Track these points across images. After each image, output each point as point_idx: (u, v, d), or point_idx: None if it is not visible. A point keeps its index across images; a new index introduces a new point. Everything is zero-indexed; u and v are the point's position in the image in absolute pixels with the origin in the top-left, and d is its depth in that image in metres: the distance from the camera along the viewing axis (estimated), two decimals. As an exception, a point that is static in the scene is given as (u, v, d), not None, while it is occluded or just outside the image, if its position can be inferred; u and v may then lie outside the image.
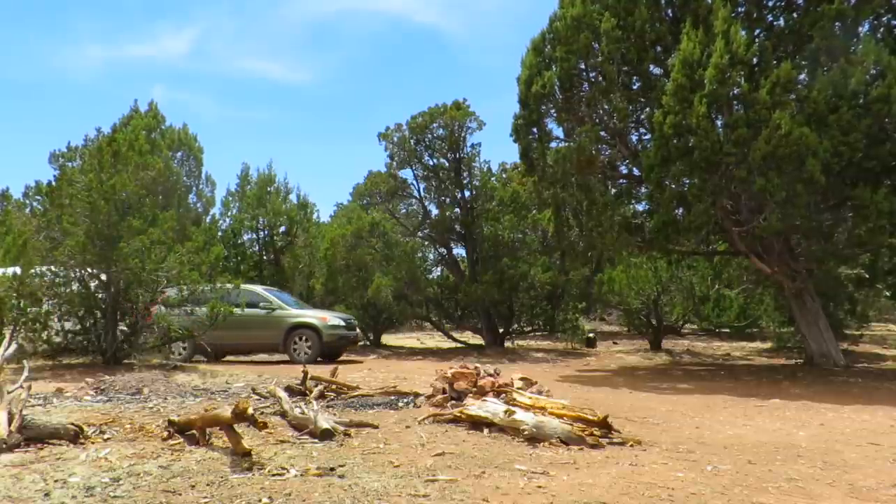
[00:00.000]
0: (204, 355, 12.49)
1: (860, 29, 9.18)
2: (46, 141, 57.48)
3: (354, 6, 77.92)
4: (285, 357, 13.41)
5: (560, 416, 4.95)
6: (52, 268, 10.02)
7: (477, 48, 74.83)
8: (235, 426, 4.21)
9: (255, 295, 12.84)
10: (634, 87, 11.01)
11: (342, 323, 12.75)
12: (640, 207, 12.59)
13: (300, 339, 12.38)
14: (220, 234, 19.14)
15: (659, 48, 10.21)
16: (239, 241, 19.24)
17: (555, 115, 11.36)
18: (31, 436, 4.41)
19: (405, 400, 6.77)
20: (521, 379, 6.22)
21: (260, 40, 77.88)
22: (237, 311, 12.14)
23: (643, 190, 11.68)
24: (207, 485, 3.51)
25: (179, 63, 70.23)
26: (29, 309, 9.73)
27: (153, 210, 11.16)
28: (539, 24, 31.68)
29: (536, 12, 56.33)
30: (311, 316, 12.70)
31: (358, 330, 13.84)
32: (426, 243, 20.73)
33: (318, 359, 12.12)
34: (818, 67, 8.95)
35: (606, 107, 10.79)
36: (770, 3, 10.00)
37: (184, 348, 12.24)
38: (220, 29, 78.37)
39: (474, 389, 6.01)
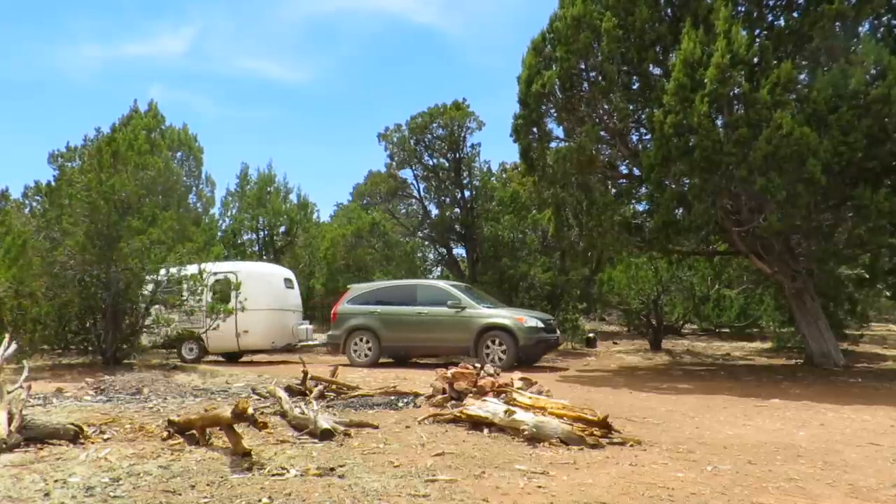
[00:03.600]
0: (392, 358, 11.96)
1: (860, 29, 9.17)
2: (45, 141, 57.37)
3: (352, 6, 77.91)
4: (290, 357, 13.18)
5: (560, 416, 4.95)
6: (52, 268, 10.04)
7: (476, 48, 74.82)
8: (235, 426, 4.21)
9: (440, 292, 11.79)
10: (634, 87, 11.00)
11: (541, 324, 11.29)
12: (640, 207, 12.57)
13: (493, 342, 11.00)
14: (220, 234, 19.19)
15: (659, 48, 10.20)
16: (239, 241, 19.28)
17: (555, 114, 11.34)
18: (31, 436, 4.41)
19: (405, 400, 6.77)
20: (521, 379, 6.23)
21: (258, 40, 77.85)
22: (423, 310, 11.55)
23: (643, 190, 11.66)
24: (207, 485, 3.51)
25: (177, 63, 70.20)
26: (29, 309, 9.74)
27: (153, 210, 11.17)
28: (538, 24, 31.70)
29: (535, 12, 56.32)
30: (506, 316, 11.26)
31: (559, 332, 12.38)
32: (426, 243, 20.76)
33: (514, 365, 10.77)
34: (818, 67, 8.95)
35: (606, 106, 10.78)
36: (770, 3, 9.99)
37: (368, 350, 11.75)
38: (218, 28, 78.34)
39: (474, 389, 6.01)
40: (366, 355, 11.67)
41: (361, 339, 11.82)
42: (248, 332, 12.63)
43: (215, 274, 12.85)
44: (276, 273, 13.92)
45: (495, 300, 13.33)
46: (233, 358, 13.35)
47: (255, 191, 20.46)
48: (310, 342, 13.96)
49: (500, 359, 10.78)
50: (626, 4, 9.85)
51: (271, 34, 77.61)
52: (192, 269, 12.91)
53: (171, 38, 71.94)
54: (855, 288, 12.73)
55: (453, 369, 6.45)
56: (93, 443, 4.52)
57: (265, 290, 13.03)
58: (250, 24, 77.87)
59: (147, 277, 10.87)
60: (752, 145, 8.36)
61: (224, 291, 12.74)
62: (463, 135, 18.26)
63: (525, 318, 11.16)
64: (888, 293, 13.79)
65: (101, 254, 9.86)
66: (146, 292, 10.92)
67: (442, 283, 12.35)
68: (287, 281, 13.91)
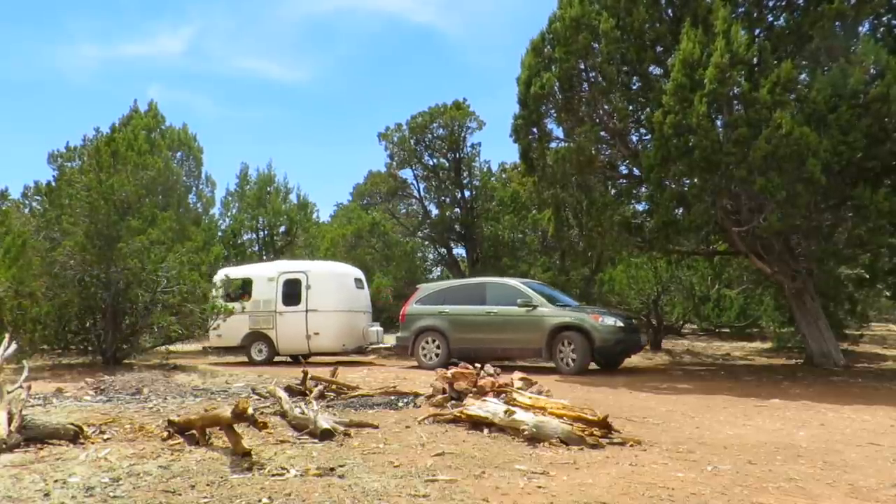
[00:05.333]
0: (462, 360, 11.18)
1: (860, 29, 9.18)
2: (44, 141, 57.36)
3: (351, 5, 77.89)
4: (287, 358, 12.89)
5: (560, 416, 4.95)
6: (52, 268, 10.04)
7: (475, 48, 74.84)
8: (235, 426, 4.21)
9: (511, 290, 11.04)
10: (634, 87, 11.00)
11: (619, 324, 10.39)
12: (640, 207, 12.56)
13: (566, 343, 10.20)
14: (220, 234, 19.18)
15: (658, 48, 10.20)
16: (239, 241, 19.27)
17: (555, 115, 11.34)
18: (31, 436, 4.41)
19: (405, 400, 6.77)
20: (521, 379, 6.23)
21: (257, 39, 77.86)
22: (493, 309, 10.86)
23: (643, 190, 11.66)
24: (207, 485, 3.51)
25: (176, 62, 70.17)
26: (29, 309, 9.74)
27: (153, 210, 11.18)
28: (537, 23, 31.69)
29: (534, 12, 56.33)
30: (580, 315, 10.39)
31: (643, 335, 11.38)
32: (426, 243, 20.76)
33: (590, 367, 10.25)
34: (818, 67, 8.95)
35: (606, 107, 10.78)
36: (770, 3, 9.99)
37: (437, 352, 11.19)
38: (217, 28, 78.33)
39: (474, 389, 6.01)
40: (434, 357, 11.14)
41: (430, 341, 11.31)
42: (318, 333, 12.39)
43: (286, 273, 12.81)
44: (347, 273, 13.58)
45: (575, 298, 12.52)
46: (301, 360, 13.07)
47: (255, 191, 20.45)
48: (380, 344, 13.43)
49: (571, 362, 10.09)
50: (626, 5, 9.85)
51: (270, 34, 77.61)
52: (256, 270, 12.92)
53: (169, 38, 71.92)
54: (855, 288, 12.72)
55: (453, 369, 6.46)
56: (93, 443, 4.52)
57: (336, 290, 12.77)
58: (249, 24, 77.86)
59: (215, 279, 11.33)
60: (752, 145, 8.36)
61: (294, 292, 12.60)
62: (463, 135, 18.26)
63: (601, 317, 10.34)
64: (888, 293, 13.78)
65: (101, 254, 9.85)
66: (215, 292, 11.30)
67: (512, 281, 11.61)
68: (357, 281, 13.54)
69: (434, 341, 11.29)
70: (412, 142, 18.37)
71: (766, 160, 8.30)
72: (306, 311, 12.44)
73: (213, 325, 11.45)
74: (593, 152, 10.77)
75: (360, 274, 14.01)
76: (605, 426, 4.87)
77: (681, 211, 10.11)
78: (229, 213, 21.22)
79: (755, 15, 9.69)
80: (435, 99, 47.89)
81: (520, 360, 11.33)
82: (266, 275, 12.95)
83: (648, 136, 10.71)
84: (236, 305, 12.40)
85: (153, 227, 10.57)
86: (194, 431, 4.58)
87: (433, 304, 11.60)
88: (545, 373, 10.13)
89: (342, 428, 4.90)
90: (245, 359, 12.86)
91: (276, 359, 12.84)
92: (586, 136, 10.37)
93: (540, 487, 3.56)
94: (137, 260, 10.03)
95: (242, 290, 13.10)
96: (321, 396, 6.76)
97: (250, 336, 12.67)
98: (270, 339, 12.58)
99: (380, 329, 13.41)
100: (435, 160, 18.78)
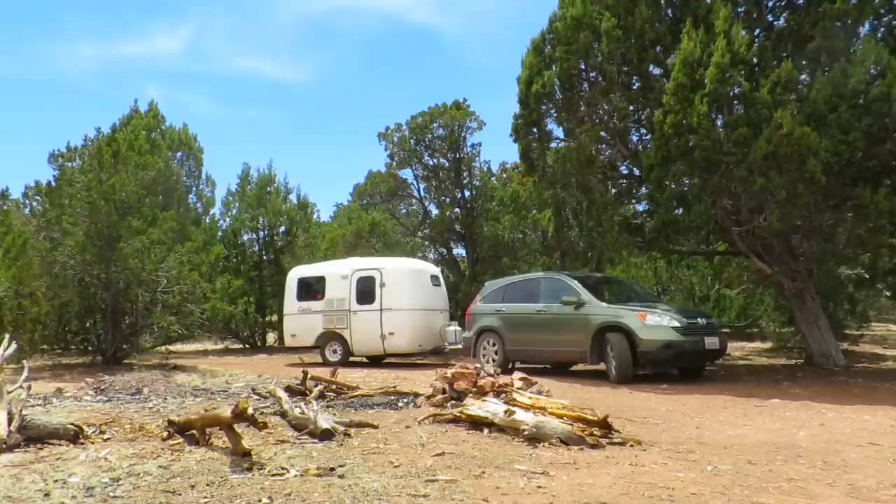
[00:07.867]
0: (521, 361, 10.50)
1: (861, 29, 9.18)
2: (44, 140, 57.54)
3: (348, 4, 77.97)
4: (363, 359, 12.44)
5: (560, 416, 4.95)
6: (52, 268, 10.04)
7: (473, 47, 74.89)
8: (235, 426, 4.21)
9: (560, 285, 10.01)
10: (634, 87, 11.00)
11: (674, 323, 8.75)
12: (640, 207, 12.57)
13: (610, 346, 8.97)
14: (220, 234, 19.17)
15: (659, 48, 10.20)
16: (239, 241, 19.25)
17: (555, 115, 11.35)
18: (31, 436, 4.42)
19: (405, 400, 6.78)
20: (521, 379, 6.23)
21: (255, 39, 77.97)
22: (543, 307, 9.99)
23: (643, 190, 11.66)
24: (207, 485, 3.51)
25: (174, 62, 70.27)
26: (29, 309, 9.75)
27: (153, 210, 11.18)
28: (535, 21, 31.70)
29: (533, 11, 56.56)
30: (623, 313, 9.02)
31: (716, 338, 9.24)
32: (426, 243, 20.77)
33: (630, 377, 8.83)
34: (819, 67, 8.94)
35: (606, 107, 10.78)
36: (770, 3, 9.99)
37: (495, 354, 10.51)
38: (215, 27, 78.44)
39: (474, 389, 6.01)
40: (493, 360, 10.30)
41: (490, 343, 10.66)
42: (393, 333, 11.93)
43: (359, 271, 12.51)
44: (423, 270, 13.11)
45: (648, 293, 11.48)
46: (377, 361, 12.63)
47: (255, 191, 20.42)
48: (458, 345, 12.54)
49: (614, 369, 8.90)
50: (626, 4, 9.85)
51: (268, 33, 77.69)
52: (328, 268, 12.98)
53: (167, 38, 72.03)
54: (855, 288, 12.71)
55: (453, 369, 6.46)
56: (93, 443, 4.52)
57: (411, 288, 12.29)
58: (247, 24, 77.94)
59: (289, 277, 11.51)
60: (752, 145, 8.36)
61: (368, 290, 12.23)
62: (463, 135, 18.28)
63: (649, 315, 8.84)
64: (888, 293, 13.78)
65: (101, 254, 9.87)
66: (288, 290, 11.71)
67: (562, 275, 10.53)
68: (434, 278, 13.05)
69: (493, 343, 10.64)
70: (412, 142, 18.39)
71: (767, 160, 8.30)
72: (381, 309, 11.98)
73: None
74: (593, 152, 10.77)
75: (436, 270, 13.53)
76: (605, 426, 4.87)
77: (681, 211, 10.11)
78: (229, 213, 21.20)
79: (755, 15, 9.69)
80: (435, 99, 48.03)
81: (570, 363, 10.52)
82: (339, 272, 12.59)
83: (648, 136, 10.71)
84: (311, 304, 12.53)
85: (153, 227, 10.58)
86: (194, 431, 4.58)
87: (494, 302, 10.95)
88: (546, 373, 10.14)
89: (342, 428, 4.90)
90: (245, 360, 12.78)
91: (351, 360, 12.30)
92: (586, 135, 10.37)
93: (540, 487, 3.56)
94: (137, 260, 10.04)
95: (315, 288, 12.81)
96: (321, 396, 6.76)
97: (324, 336, 12.34)
98: (344, 339, 12.19)
99: (458, 329, 12.61)
100: (435, 160, 18.79)
